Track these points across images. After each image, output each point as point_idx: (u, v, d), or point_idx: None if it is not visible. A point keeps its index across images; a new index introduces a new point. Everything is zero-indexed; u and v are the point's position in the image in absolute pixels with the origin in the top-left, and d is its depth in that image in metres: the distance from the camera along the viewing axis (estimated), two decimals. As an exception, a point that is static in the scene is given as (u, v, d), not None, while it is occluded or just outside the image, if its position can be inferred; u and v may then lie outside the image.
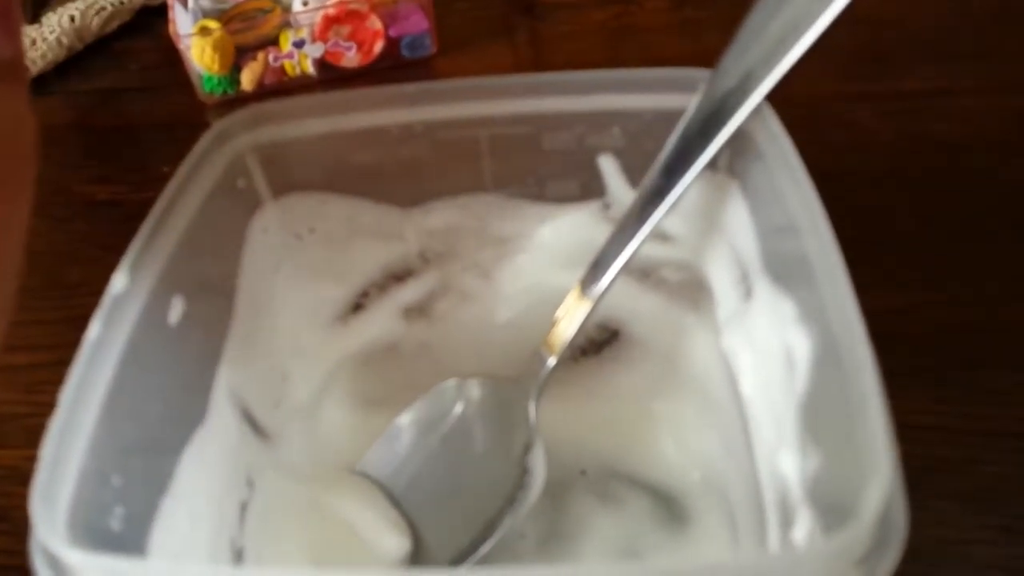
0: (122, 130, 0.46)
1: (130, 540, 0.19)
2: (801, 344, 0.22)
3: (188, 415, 0.23)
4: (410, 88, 0.26)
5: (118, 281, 0.21)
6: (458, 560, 0.27)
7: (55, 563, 0.16)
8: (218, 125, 0.25)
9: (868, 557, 0.16)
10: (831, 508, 0.19)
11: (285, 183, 0.27)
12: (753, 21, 0.24)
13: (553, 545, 0.29)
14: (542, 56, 0.47)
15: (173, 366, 0.23)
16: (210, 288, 0.25)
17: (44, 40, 0.48)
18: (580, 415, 0.31)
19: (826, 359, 0.20)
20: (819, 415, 0.21)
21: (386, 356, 0.31)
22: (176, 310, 0.23)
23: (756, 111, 0.24)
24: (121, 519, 0.19)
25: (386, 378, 0.31)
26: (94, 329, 0.20)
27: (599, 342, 0.31)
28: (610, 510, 0.30)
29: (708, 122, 0.25)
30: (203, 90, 0.45)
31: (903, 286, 0.35)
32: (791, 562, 0.16)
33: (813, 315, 0.21)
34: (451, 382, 0.29)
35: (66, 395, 0.18)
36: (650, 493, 0.30)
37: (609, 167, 0.27)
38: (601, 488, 0.30)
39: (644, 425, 0.31)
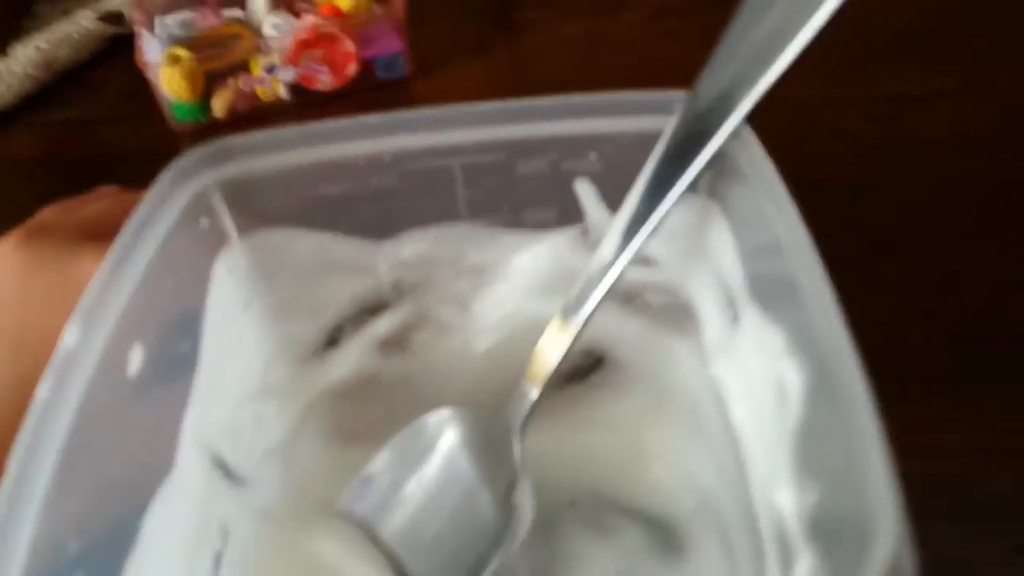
0: (93, 161, 0.45)
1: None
2: (792, 376, 0.21)
3: (152, 468, 0.22)
4: (377, 118, 0.25)
5: (70, 335, 0.20)
6: (447, 602, 0.26)
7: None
8: (178, 162, 0.24)
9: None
10: (833, 548, 0.18)
11: (251, 219, 0.26)
12: (729, 40, 0.23)
13: (546, 581, 0.28)
14: (520, 72, 0.47)
15: (134, 419, 0.22)
16: (172, 333, 0.24)
17: (12, 73, 0.47)
18: (567, 444, 0.30)
19: (819, 391, 0.20)
20: (815, 449, 0.20)
21: (364, 390, 0.30)
22: (135, 360, 0.22)
23: (735, 132, 0.23)
24: (78, 588, 0.18)
25: (364, 412, 0.30)
26: (44, 388, 0.19)
27: (584, 368, 0.30)
28: (603, 541, 0.29)
29: (687, 144, 0.24)
30: (175, 118, 0.44)
31: (895, 295, 0.34)
32: None
33: (803, 344, 0.21)
34: (431, 416, 0.28)
35: (14, 461, 0.17)
36: (644, 522, 0.29)
37: (586, 192, 0.27)
38: (593, 519, 0.29)
39: (634, 452, 0.30)
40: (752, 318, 0.24)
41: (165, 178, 0.24)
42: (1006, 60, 0.44)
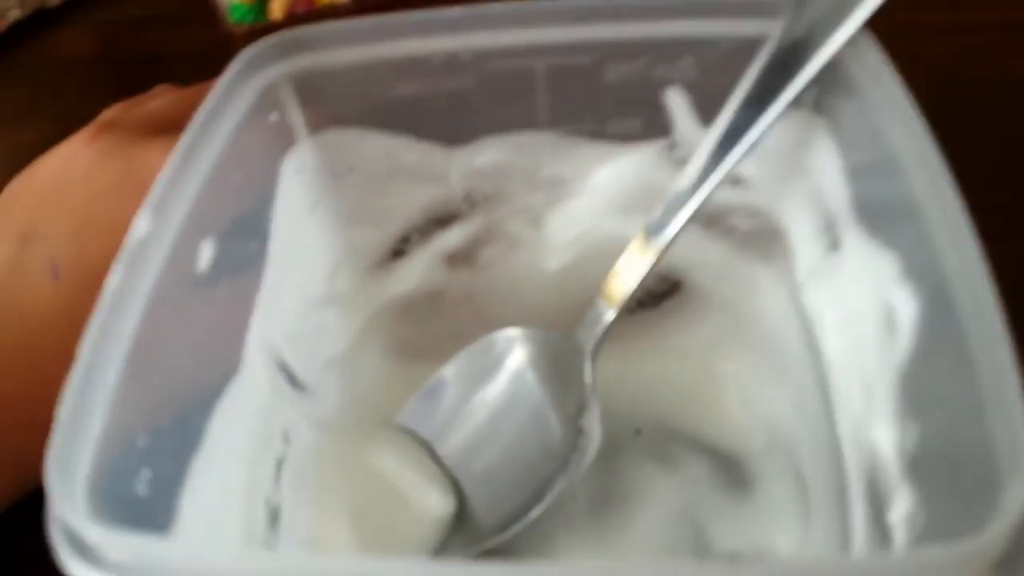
0: (147, 61, 0.44)
1: (158, 505, 0.18)
2: (905, 304, 0.19)
3: (219, 368, 0.22)
4: (457, 12, 0.24)
5: (141, 224, 0.19)
6: (506, 523, 0.26)
7: (76, 541, 0.14)
8: (248, 52, 0.23)
9: (1005, 562, 0.13)
10: (941, 490, 0.17)
11: (321, 117, 0.25)
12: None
13: (606, 509, 0.27)
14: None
15: (202, 316, 0.21)
16: (241, 232, 0.23)
17: (67, -34, 0.45)
18: (635, 371, 0.29)
19: (938, 322, 0.18)
20: (926, 383, 0.19)
21: (427, 305, 0.29)
22: (205, 255, 0.21)
23: (852, 40, 0.21)
24: (147, 483, 0.17)
25: (427, 328, 0.29)
26: (116, 276, 0.18)
27: (658, 294, 0.29)
28: (666, 472, 0.28)
29: (795, 52, 0.22)
30: (231, 19, 0.42)
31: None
32: (917, 565, 0.14)
33: (921, 270, 0.19)
34: (500, 334, 0.27)
35: (86, 348, 0.17)
36: (710, 455, 0.28)
37: (677, 102, 0.25)
38: (657, 449, 0.28)
39: (705, 384, 0.29)
40: (856, 243, 0.22)
41: (234, 68, 0.23)
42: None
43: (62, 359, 0.26)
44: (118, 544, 0.14)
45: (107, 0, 0.47)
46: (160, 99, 0.31)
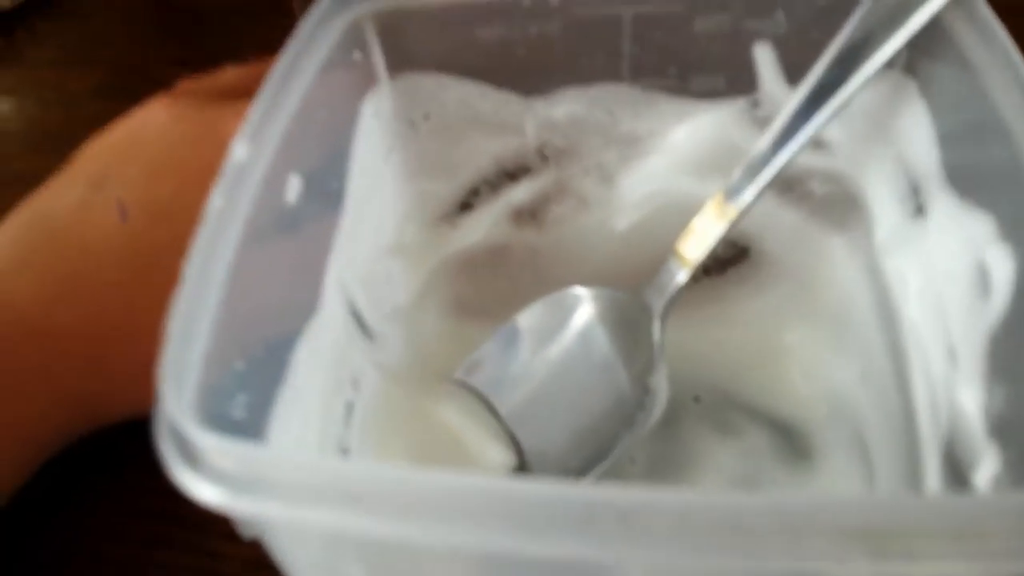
0: (202, 11, 0.43)
1: (251, 430, 0.17)
2: (1002, 264, 0.19)
3: (301, 305, 0.21)
4: (549, -43, 0.23)
5: (239, 150, 0.19)
6: (566, 481, 0.25)
7: (186, 448, 0.14)
8: (335, -12, 0.23)
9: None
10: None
11: (403, 59, 0.24)
12: None
13: (664, 473, 0.27)
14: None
15: (289, 249, 0.21)
16: (322, 170, 0.23)
17: (121, -86, 0.45)
18: (696, 338, 0.29)
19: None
20: (1018, 348, 0.19)
21: (490, 262, 0.29)
22: (293, 188, 0.20)
23: (957, -4, 0.21)
24: (244, 407, 0.17)
25: (489, 285, 0.29)
26: (216, 199, 0.18)
27: (724, 260, 0.29)
28: (726, 440, 0.28)
29: (892, 9, 0.21)
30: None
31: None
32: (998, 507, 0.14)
33: (1019, 232, 0.19)
34: (568, 291, 0.27)
35: (191, 268, 0.16)
36: (770, 425, 0.28)
37: (765, 57, 0.24)
38: (716, 416, 0.28)
39: (768, 353, 0.29)
40: (945, 208, 0.22)
41: (323, 3, 0.22)
42: None
43: (123, 294, 0.26)
44: (227, 452, 0.14)
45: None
46: (229, 73, 0.31)
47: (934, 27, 0.21)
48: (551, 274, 0.28)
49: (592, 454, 0.26)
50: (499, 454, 0.26)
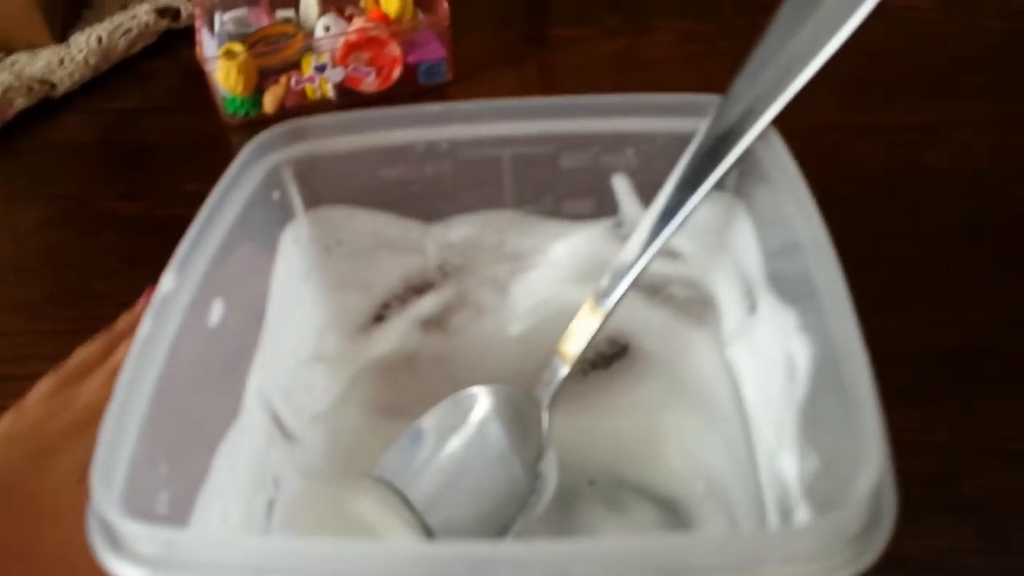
0: (145, 149, 0.47)
1: (174, 524, 0.20)
2: (802, 352, 0.23)
3: (223, 413, 0.24)
4: (437, 108, 0.28)
5: (167, 281, 0.22)
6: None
7: (110, 532, 0.17)
8: (257, 138, 0.27)
9: (860, 536, 0.17)
10: (828, 502, 0.20)
11: (316, 196, 0.28)
12: (761, 51, 0.25)
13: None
14: (552, 86, 0.49)
15: (212, 365, 0.24)
16: (245, 293, 0.26)
17: (72, 60, 0.49)
18: (590, 427, 0.32)
19: (825, 366, 0.22)
20: (817, 418, 0.23)
21: (404, 366, 0.33)
22: (216, 312, 0.24)
23: (763, 135, 0.26)
24: (167, 503, 0.20)
25: (403, 387, 0.33)
26: (145, 326, 0.21)
27: (609, 356, 0.33)
28: (616, 517, 0.31)
29: (718, 145, 0.26)
30: (226, 111, 0.46)
31: (896, 309, 0.36)
32: (788, 538, 0.17)
33: (814, 326, 0.23)
34: (466, 391, 0.30)
35: (120, 386, 0.20)
36: (656, 502, 0.31)
37: (623, 186, 0.29)
38: (609, 497, 0.31)
39: (650, 436, 0.32)
40: (769, 306, 0.26)
41: (247, 152, 0.26)
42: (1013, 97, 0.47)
43: None
44: (148, 537, 0.17)
45: (108, 91, 0.51)
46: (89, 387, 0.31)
47: (751, 159, 0.26)
48: (458, 375, 0.32)
49: (494, 535, 0.29)
50: (412, 541, 0.29)
